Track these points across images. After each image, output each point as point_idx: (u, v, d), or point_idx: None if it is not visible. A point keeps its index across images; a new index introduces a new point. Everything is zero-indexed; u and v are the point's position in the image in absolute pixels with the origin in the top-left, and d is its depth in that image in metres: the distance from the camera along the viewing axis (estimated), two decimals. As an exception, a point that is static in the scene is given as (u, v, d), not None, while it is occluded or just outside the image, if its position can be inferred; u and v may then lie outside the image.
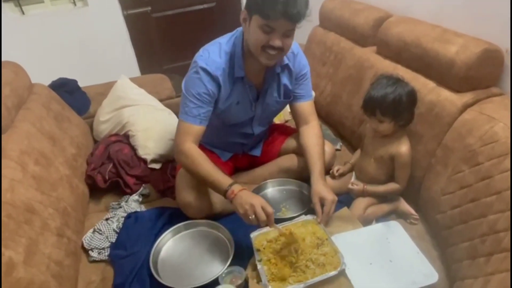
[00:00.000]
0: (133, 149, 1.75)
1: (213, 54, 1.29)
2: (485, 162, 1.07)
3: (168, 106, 2.03)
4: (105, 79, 2.16)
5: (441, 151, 1.27)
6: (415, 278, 1.10)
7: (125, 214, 1.46)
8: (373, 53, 1.71)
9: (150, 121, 1.81)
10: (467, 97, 1.25)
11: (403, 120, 1.27)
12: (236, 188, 1.20)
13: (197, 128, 1.31)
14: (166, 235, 1.33)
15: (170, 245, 1.33)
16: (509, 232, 0.89)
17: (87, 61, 2.56)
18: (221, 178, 1.25)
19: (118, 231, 1.39)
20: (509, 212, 0.92)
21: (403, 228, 1.28)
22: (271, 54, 1.21)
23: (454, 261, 1.10)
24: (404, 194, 1.39)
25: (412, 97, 1.25)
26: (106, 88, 2.01)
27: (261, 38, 1.17)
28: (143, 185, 1.65)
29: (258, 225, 1.18)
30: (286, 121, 2.05)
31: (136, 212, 1.48)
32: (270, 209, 1.16)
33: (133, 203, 1.54)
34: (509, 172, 0.98)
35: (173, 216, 1.44)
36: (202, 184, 1.34)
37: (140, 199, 1.59)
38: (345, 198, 1.43)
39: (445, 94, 1.30)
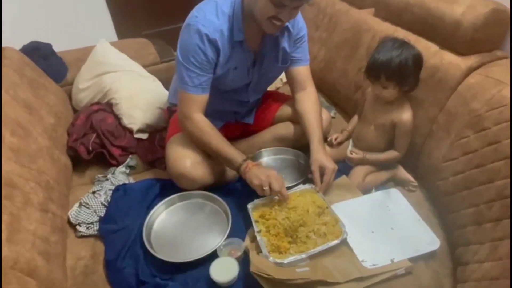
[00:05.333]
0: (117, 118, 1.65)
1: (210, 14, 1.18)
2: (492, 127, 1.04)
3: (152, 72, 1.91)
4: (80, 44, 2.00)
5: (443, 117, 1.23)
6: (417, 245, 1.09)
7: (112, 187, 1.38)
8: (371, 15, 1.63)
9: (134, 88, 1.70)
10: (471, 60, 1.20)
11: (407, 86, 1.21)
12: (250, 163, 1.22)
13: (201, 97, 1.25)
14: (159, 207, 1.27)
15: (164, 217, 1.27)
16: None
17: (61, 24, 2.36)
18: (234, 152, 1.25)
19: (106, 204, 1.32)
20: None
21: (403, 196, 1.26)
22: (277, 25, 1.14)
23: (457, 227, 1.09)
24: (402, 161, 1.36)
25: (418, 61, 1.20)
26: (84, 53, 1.87)
27: (270, 10, 1.09)
28: (130, 156, 1.56)
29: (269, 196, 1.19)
30: (278, 88, 1.98)
31: (124, 184, 1.40)
32: (282, 183, 1.18)
33: (120, 175, 1.46)
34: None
35: (165, 188, 1.37)
36: (211, 155, 1.29)
37: (128, 171, 1.51)
38: (343, 166, 1.39)
39: (449, 58, 1.25)
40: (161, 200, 1.29)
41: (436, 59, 1.27)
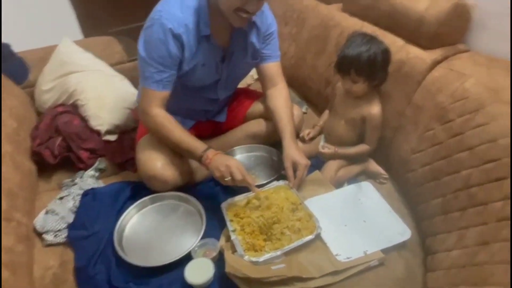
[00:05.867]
0: (84, 120, 1.59)
1: (174, 8, 1.15)
2: (457, 119, 1.07)
3: (120, 71, 1.85)
4: (42, 43, 1.91)
5: (411, 110, 1.26)
6: (389, 236, 1.12)
7: (81, 192, 1.33)
8: (339, 10, 1.64)
9: (101, 89, 1.64)
10: (436, 54, 1.23)
11: (377, 80, 1.23)
12: (211, 152, 1.18)
13: (161, 94, 1.21)
14: (130, 211, 1.24)
15: (135, 221, 1.24)
16: (484, 186, 0.90)
17: (20, 22, 2.25)
18: (195, 143, 1.22)
19: (75, 210, 1.27)
20: (483, 167, 0.93)
21: (374, 188, 1.29)
22: (244, 18, 1.12)
23: (426, 217, 1.12)
24: (373, 154, 1.39)
25: (386, 55, 1.22)
26: (46, 53, 1.79)
27: (235, 1, 1.07)
28: (99, 159, 1.51)
29: (235, 186, 1.17)
30: (249, 85, 1.97)
31: (93, 188, 1.35)
32: (244, 171, 1.15)
33: (89, 179, 1.41)
34: (481, 128, 0.98)
35: (136, 191, 1.34)
36: (173, 149, 1.26)
37: (97, 174, 1.46)
38: (315, 161, 1.41)
39: (414, 52, 1.27)
40: (132, 203, 1.26)
41: (402, 54, 1.30)
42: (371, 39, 1.21)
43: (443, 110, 1.13)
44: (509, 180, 0.83)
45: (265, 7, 1.32)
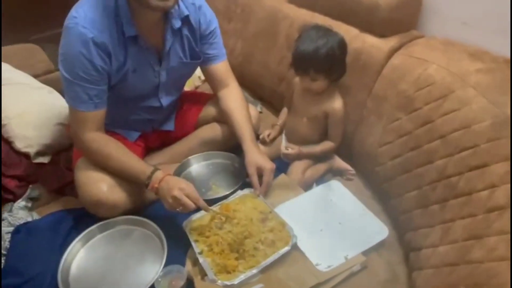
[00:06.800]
0: (8, 142, 1.36)
1: (90, 12, 0.99)
2: (423, 107, 1.03)
3: (47, 83, 1.62)
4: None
5: (372, 101, 1.21)
6: (367, 237, 1.06)
7: (11, 229, 1.12)
8: (285, 2, 1.57)
9: (25, 104, 1.42)
10: (392, 41, 1.20)
11: (336, 74, 1.17)
12: (156, 178, 1.05)
13: (93, 114, 1.06)
14: (75, 244, 1.06)
15: (83, 256, 1.06)
16: (464, 176, 0.86)
17: None
18: (138, 168, 1.08)
19: (5, 252, 1.06)
20: (459, 155, 0.89)
21: (344, 186, 1.23)
22: None
23: (402, 211, 1.07)
24: (337, 150, 1.33)
25: (343, 47, 1.16)
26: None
27: None
28: (30, 186, 1.29)
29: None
30: (197, 87, 1.83)
31: (27, 222, 1.15)
32: (195, 194, 1.03)
33: (20, 212, 1.20)
34: (451, 114, 0.95)
35: (79, 219, 1.16)
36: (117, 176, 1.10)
37: (29, 205, 1.25)
38: (279, 163, 1.30)
39: (370, 41, 1.23)
40: (77, 235, 1.08)
41: (358, 43, 1.25)
42: (326, 31, 1.14)
43: (407, 98, 1.09)
44: (492, 167, 0.79)
45: (200, 2, 1.20)
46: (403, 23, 1.22)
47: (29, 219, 1.18)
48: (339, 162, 1.32)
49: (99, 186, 1.08)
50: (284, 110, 1.42)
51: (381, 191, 1.20)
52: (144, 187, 1.08)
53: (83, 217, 1.15)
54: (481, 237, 0.73)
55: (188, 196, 1.02)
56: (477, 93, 0.91)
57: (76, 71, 1.00)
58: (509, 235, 0.67)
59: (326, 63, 1.11)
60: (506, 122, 0.82)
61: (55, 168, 1.37)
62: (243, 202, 1.16)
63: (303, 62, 1.13)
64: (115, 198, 1.10)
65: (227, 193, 1.19)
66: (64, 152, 1.42)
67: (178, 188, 1.02)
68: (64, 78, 1.03)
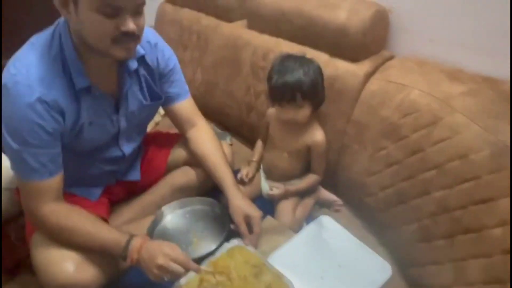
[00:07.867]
0: None
1: (33, 67, 0.84)
2: (411, 135, 0.99)
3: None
4: None
5: (353, 128, 1.16)
6: (371, 277, 0.99)
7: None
8: (245, 28, 1.48)
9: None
10: (366, 65, 1.16)
11: (318, 100, 1.11)
12: (134, 247, 0.91)
13: (49, 183, 0.90)
14: None
15: None
16: (468, 209, 0.82)
17: None
18: (111, 239, 0.92)
19: None
20: (459, 187, 0.85)
21: (334, 221, 1.16)
22: (129, 44, 0.85)
23: (401, 245, 1.02)
24: (321, 181, 1.26)
25: (321, 73, 1.10)
26: None
27: (106, 26, 0.79)
28: (-24, 270, 1.09)
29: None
30: (157, 124, 1.69)
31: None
32: (183, 257, 0.92)
33: (-33, 307, 1.00)
34: (443, 143, 0.91)
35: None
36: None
37: (-22, 295, 1.05)
38: (261, 203, 1.21)
39: (343, 66, 1.18)
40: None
41: (330, 69, 1.19)
42: (303, 59, 1.08)
43: (392, 125, 1.04)
44: (502, 202, 0.75)
45: (156, 39, 1.09)
46: (373, 44, 1.19)
47: (-20, 315, 0.99)
48: (324, 193, 1.26)
49: (63, 266, 0.91)
50: (258, 144, 1.33)
51: (373, 222, 1.15)
52: (122, 260, 0.94)
53: (48, 303, 0.98)
54: (504, 283, 0.69)
55: (175, 261, 0.90)
56: (467, 119, 0.88)
57: (24, 138, 0.84)
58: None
59: (312, 88, 1.06)
60: (505, 151, 0.79)
61: (5, 241, 1.17)
62: (232, 256, 1.04)
63: (288, 91, 1.05)
64: (86, 278, 0.93)
65: (214, 248, 1.07)
66: (14, 221, 1.22)
67: (162, 255, 0.89)
68: (8, 147, 0.86)
